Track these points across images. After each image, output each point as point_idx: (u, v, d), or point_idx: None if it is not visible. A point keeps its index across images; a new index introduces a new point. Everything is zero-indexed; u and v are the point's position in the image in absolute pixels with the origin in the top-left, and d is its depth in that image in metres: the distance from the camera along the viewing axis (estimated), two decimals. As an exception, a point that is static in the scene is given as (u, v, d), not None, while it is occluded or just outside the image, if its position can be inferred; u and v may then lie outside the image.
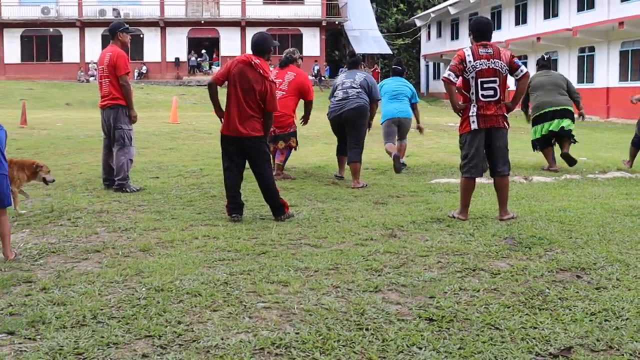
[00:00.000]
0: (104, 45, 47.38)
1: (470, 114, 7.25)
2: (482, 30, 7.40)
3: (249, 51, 7.72)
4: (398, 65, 12.38)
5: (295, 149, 10.68)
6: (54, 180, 8.27)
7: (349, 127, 10.23)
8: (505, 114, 7.37)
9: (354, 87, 10.26)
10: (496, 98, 7.22)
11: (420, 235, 6.47)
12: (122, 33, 9.26)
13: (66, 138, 16.23)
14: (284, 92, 10.17)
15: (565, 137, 11.68)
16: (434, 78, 58.04)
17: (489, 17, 44.65)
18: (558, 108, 11.58)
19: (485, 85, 7.19)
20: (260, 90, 7.19)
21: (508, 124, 7.40)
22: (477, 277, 5.04)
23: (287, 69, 10.61)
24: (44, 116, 25.81)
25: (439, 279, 4.97)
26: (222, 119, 7.40)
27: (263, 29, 49.18)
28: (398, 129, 11.88)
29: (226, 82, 7.33)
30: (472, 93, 7.26)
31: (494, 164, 7.41)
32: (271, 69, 8.63)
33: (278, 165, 10.39)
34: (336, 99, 10.41)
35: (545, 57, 12.40)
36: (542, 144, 11.88)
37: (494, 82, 7.20)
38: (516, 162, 12.29)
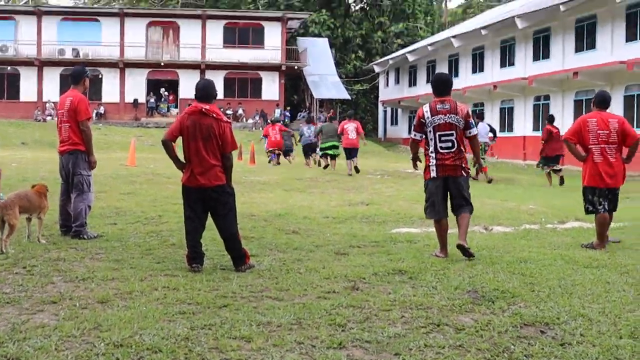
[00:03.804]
0: (62, 85, 47.30)
1: (431, 163, 8.01)
2: (441, 87, 8.18)
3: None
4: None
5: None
6: None
7: (313, 149, 26.15)
8: (465, 165, 8.08)
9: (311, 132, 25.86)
10: (454, 149, 7.94)
11: (383, 287, 6.42)
12: (87, 79, 9.25)
13: (22, 180, 15.95)
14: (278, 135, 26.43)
15: None
16: (392, 124, 58.51)
17: (447, 65, 45.48)
18: None
19: (443, 138, 7.95)
20: (219, 134, 7.14)
21: (467, 172, 8.11)
22: (442, 333, 5.00)
23: (277, 125, 27.40)
24: (-1, 156, 25.39)
25: (404, 335, 4.92)
26: (184, 170, 7.32)
27: (223, 72, 49.55)
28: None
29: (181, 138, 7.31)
30: (432, 145, 7.99)
31: (454, 206, 8.16)
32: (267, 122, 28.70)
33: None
34: (305, 136, 26.07)
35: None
36: None
37: (451, 135, 7.94)
38: (474, 211, 12.34)
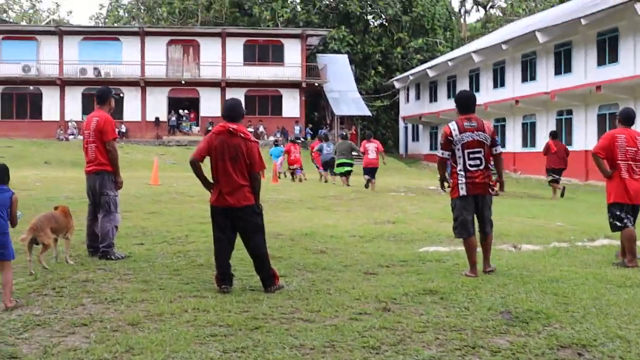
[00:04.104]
0: (84, 104, 47.68)
1: (460, 182, 7.97)
2: (465, 104, 8.21)
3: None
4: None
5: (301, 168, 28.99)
6: None
7: (330, 164, 25.74)
8: (491, 182, 8.13)
9: (330, 149, 26.19)
10: (482, 167, 7.95)
11: (415, 308, 6.34)
12: (112, 98, 9.30)
13: (47, 199, 16.02)
14: (297, 153, 28.88)
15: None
16: (413, 140, 58.39)
17: (467, 80, 45.37)
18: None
19: (471, 156, 7.95)
20: (247, 154, 7.10)
21: (493, 190, 8.16)
22: (478, 356, 4.93)
23: (296, 145, 29.64)
24: (22, 175, 25.47)
25: (439, 358, 4.85)
26: (212, 191, 7.27)
27: (243, 90, 49.68)
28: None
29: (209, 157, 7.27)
30: (460, 163, 7.97)
31: (481, 225, 8.21)
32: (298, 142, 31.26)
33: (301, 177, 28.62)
34: (324, 152, 26.63)
35: (344, 133, 29.89)
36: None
37: (479, 152, 7.96)
38: (501, 228, 12.22)
